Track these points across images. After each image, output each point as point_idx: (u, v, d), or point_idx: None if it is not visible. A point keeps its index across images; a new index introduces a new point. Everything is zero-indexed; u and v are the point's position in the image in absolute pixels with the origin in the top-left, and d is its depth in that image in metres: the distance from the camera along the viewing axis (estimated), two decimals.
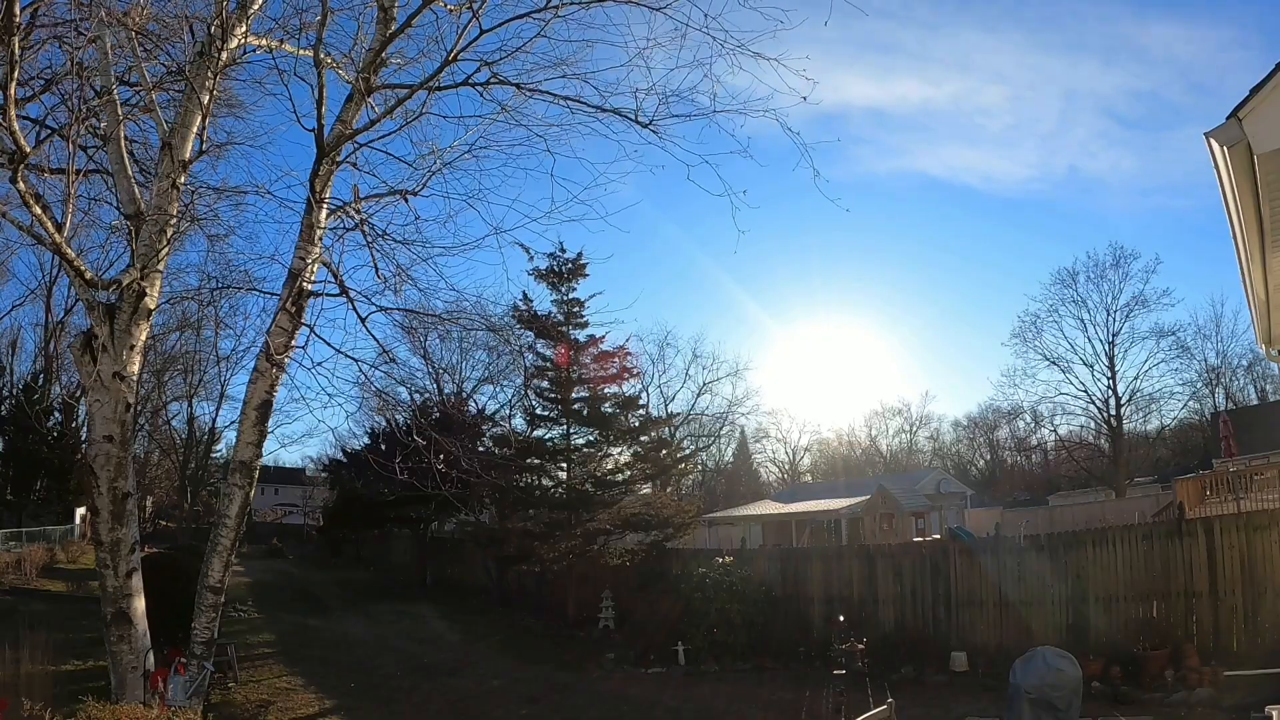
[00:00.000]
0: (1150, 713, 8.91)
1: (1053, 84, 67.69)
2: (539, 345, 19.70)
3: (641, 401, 24.20)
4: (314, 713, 10.75)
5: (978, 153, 69.93)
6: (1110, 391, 38.95)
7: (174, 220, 7.83)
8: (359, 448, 31.74)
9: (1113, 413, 38.88)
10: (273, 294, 8.07)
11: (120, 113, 7.95)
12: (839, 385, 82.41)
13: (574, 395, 19.29)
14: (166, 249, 7.74)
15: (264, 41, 8.45)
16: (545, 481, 20.60)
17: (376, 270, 7.73)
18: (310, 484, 57.05)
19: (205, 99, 7.58)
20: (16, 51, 6.22)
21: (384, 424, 27.96)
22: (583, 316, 19.15)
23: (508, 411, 27.51)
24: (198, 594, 7.53)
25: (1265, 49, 64.46)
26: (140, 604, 7.31)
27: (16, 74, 6.41)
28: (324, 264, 7.91)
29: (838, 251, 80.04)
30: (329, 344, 7.62)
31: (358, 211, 7.93)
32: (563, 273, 18.99)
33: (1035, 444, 51.81)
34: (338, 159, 7.94)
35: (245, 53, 8.63)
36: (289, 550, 43.90)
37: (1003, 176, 71.63)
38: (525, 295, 19.33)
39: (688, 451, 37.46)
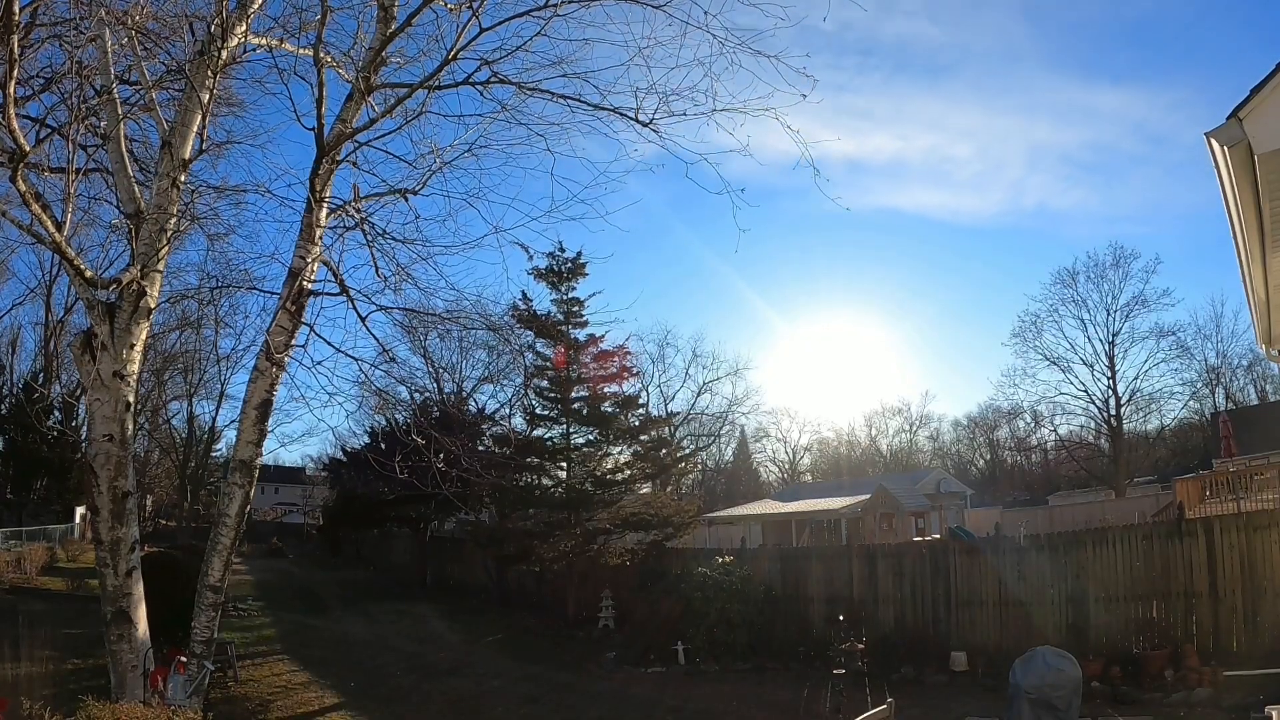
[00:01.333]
0: (1150, 713, 8.90)
1: (1016, 139, 71.70)
2: (539, 344, 19.72)
3: (641, 401, 24.20)
4: (314, 711, 10.76)
5: (949, 194, 74.58)
6: (1110, 391, 38.96)
7: (174, 219, 7.83)
8: (359, 447, 31.74)
9: (1113, 413, 38.87)
10: (273, 293, 8.06)
11: (120, 111, 7.94)
12: (839, 385, 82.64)
13: (574, 395, 19.29)
14: (166, 248, 7.73)
15: (264, 40, 8.44)
16: (545, 481, 20.61)
17: (376, 269, 7.73)
18: (310, 483, 57.07)
19: (205, 98, 7.57)
20: (16, 50, 6.22)
21: (384, 423, 27.96)
22: (582, 316, 19.16)
23: (508, 411, 27.54)
24: (198, 593, 7.52)
25: (1211, 106, 69.29)
26: (140, 603, 7.31)
27: (16, 72, 6.40)
28: (324, 263, 7.91)
29: (838, 251, 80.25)
30: (329, 343, 7.62)
31: (358, 210, 7.92)
32: (562, 272, 18.99)
33: (1035, 444, 51.80)
34: (338, 158, 7.93)
35: (245, 51, 8.61)
36: (289, 549, 43.91)
37: (974, 212, 76.23)
38: (525, 294, 19.35)
39: (687, 451, 37.48)
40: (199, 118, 7.62)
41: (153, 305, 7.79)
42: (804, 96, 6.67)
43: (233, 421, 32.40)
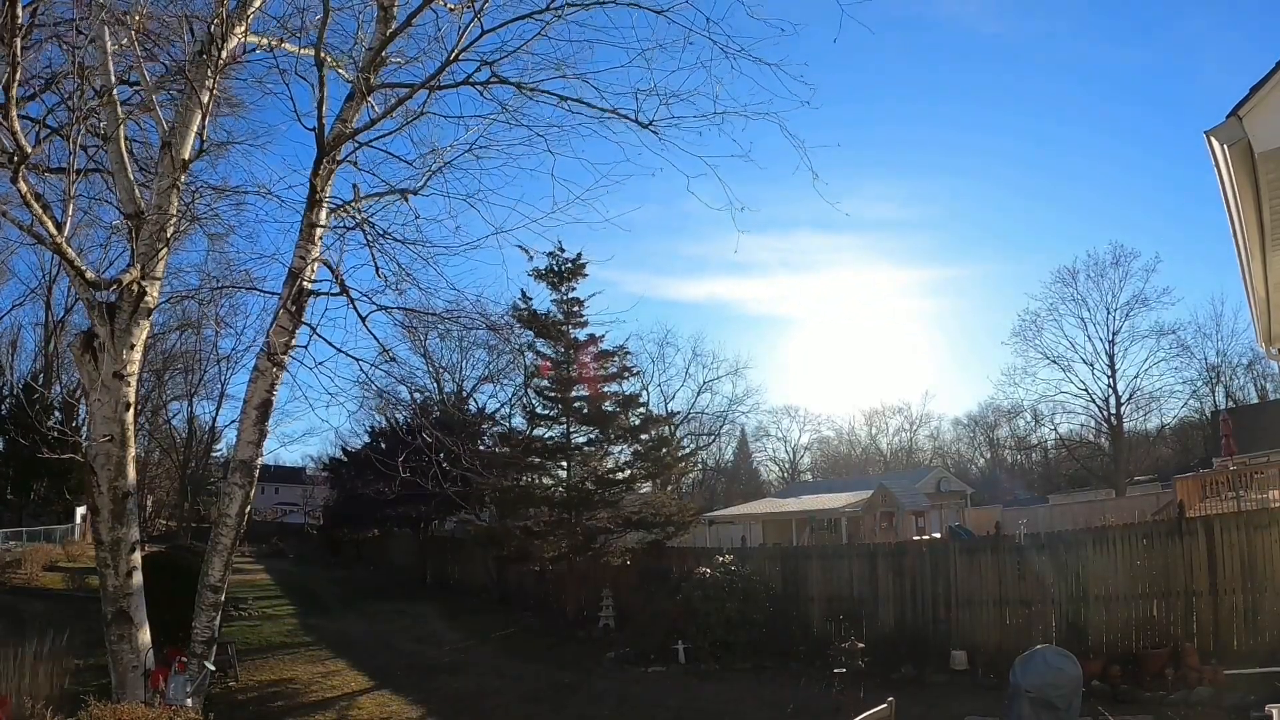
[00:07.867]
0: (1150, 712, 8.91)
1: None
2: (539, 344, 19.73)
3: (641, 400, 24.21)
4: (312, 706, 10.77)
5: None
6: (1110, 390, 39.00)
7: (174, 220, 7.82)
8: (359, 446, 31.78)
9: (1113, 411, 38.90)
10: (273, 293, 8.04)
11: (120, 112, 7.93)
12: (840, 383, 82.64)
13: (574, 394, 19.30)
14: (166, 249, 7.73)
15: (264, 40, 8.42)
16: (545, 480, 20.61)
17: (377, 269, 7.71)
18: (310, 483, 57.05)
19: (205, 98, 7.55)
20: (18, 51, 6.21)
21: (384, 423, 28.00)
22: (582, 316, 19.18)
23: (508, 410, 27.56)
24: (198, 593, 7.52)
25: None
26: (141, 603, 7.30)
27: (18, 74, 6.40)
28: (324, 263, 7.90)
29: (838, 248, 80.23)
30: (330, 343, 7.60)
31: (358, 211, 7.91)
32: (562, 272, 19.00)
33: (1035, 442, 51.86)
34: (338, 158, 7.92)
35: (245, 52, 8.59)
36: (289, 549, 43.96)
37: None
38: (524, 294, 19.39)
39: (688, 450, 37.51)
40: (199, 118, 7.60)
41: (153, 305, 7.79)
42: (805, 103, 6.71)
43: (233, 421, 32.34)
